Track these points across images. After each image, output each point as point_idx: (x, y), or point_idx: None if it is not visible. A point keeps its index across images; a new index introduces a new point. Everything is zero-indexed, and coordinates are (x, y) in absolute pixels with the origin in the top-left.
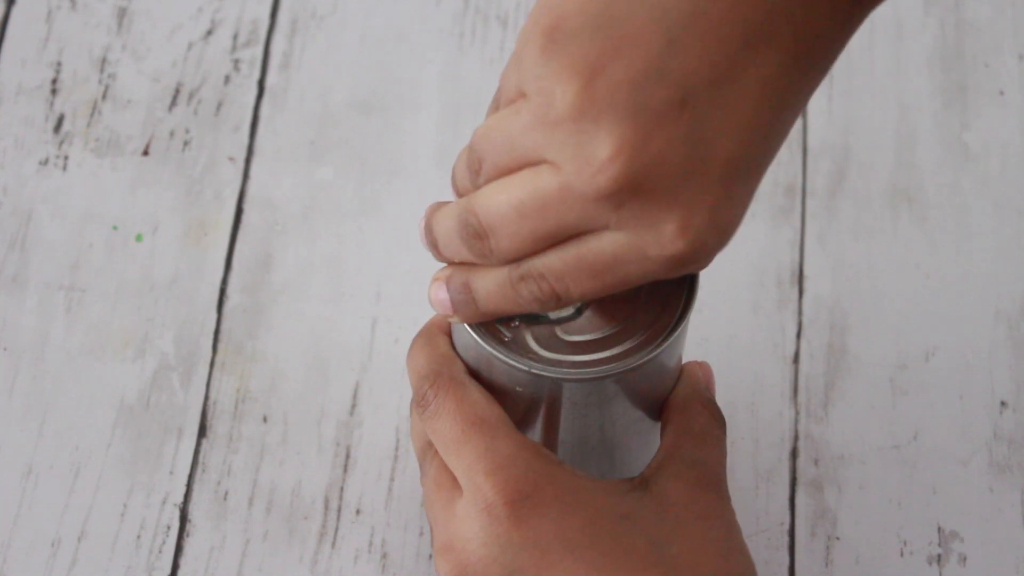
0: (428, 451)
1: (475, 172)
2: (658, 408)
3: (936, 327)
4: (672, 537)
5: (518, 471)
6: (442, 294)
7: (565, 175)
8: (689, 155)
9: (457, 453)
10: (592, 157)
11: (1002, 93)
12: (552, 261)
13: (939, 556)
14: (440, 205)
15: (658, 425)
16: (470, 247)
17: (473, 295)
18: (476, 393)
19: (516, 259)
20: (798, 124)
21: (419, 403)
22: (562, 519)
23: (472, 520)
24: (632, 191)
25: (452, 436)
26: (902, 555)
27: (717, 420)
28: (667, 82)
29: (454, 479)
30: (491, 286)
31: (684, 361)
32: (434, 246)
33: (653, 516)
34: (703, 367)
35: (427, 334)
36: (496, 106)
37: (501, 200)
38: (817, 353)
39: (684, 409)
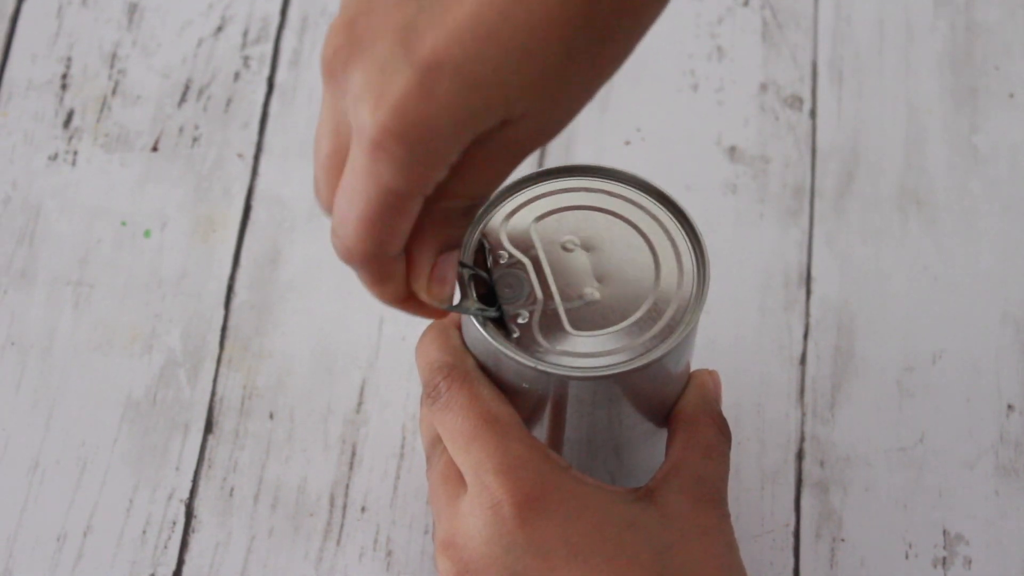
0: (437, 444)
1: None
2: (666, 409)
3: (943, 329)
4: (675, 549)
5: (527, 473)
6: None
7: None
8: (399, 38)
9: (466, 449)
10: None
11: (1012, 96)
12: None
13: (944, 559)
14: None
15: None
16: (360, 277)
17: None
18: (489, 390)
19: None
20: (807, 125)
21: (430, 394)
22: (568, 524)
23: (476, 518)
24: (345, 59)
25: (462, 431)
26: (907, 557)
27: (724, 435)
28: None
29: (460, 474)
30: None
31: (693, 366)
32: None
33: (657, 526)
34: (713, 376)
35: (439, 326)
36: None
37: (354, 214)
38: (824, 355)
39: (692, 422)
